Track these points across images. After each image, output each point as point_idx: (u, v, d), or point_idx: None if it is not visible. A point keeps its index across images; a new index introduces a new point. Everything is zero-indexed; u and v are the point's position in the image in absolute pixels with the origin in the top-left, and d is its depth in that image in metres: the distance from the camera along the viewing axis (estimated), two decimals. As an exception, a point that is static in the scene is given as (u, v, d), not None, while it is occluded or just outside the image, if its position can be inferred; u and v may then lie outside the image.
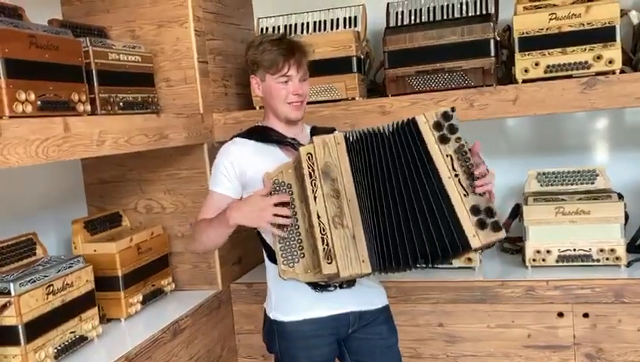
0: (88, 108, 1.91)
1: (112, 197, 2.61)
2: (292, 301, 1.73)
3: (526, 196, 2.49)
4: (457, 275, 2.39)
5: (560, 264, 2.34)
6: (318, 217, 1.57)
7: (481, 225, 1.58)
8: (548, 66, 2.22)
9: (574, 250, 2.33)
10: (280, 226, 1.62)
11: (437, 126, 1.62)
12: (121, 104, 2.15)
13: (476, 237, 1.57)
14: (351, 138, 1.64)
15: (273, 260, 1.71)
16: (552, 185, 2.53)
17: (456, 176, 1.60)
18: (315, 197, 1.58)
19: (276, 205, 1.62)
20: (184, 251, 2.54)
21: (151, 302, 2.36)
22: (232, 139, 1.84)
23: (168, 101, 2.46)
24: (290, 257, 1.63)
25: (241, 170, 1.76)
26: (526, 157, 2.79)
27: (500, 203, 2.77)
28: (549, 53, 2.22)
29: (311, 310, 1.73)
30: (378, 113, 2.35)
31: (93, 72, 2.03)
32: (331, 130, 1.90)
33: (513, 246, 2.63)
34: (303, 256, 1.63)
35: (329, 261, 1.57)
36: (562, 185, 2.52)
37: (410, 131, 1.62)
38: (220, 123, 2.50)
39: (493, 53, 2.29)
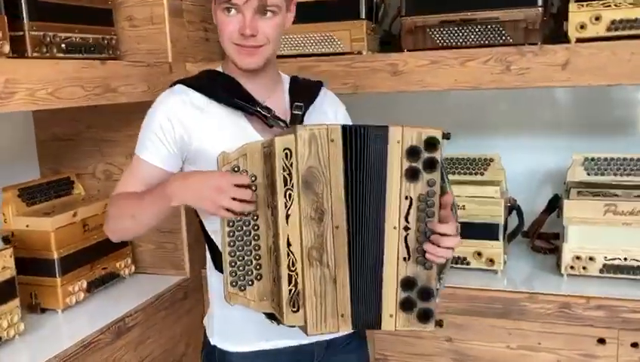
0: (7, 49, 1.47)
1: (68, 158, 2.19)
2: (241, 326, 1.31)
3: (568, 186, 2.00)
4: (474, 279, 1.93)
5: (605, 275, 1.86)
6: (288, 245, 1.13)
7: (407, 306, 1.18)
8: (612, 22, 1.69)
9: (625, 259, 1.84)
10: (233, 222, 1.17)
11: (411, 153, 1.15)
12: (63, 46, 1.70)
13: (392, 319, 1.19)
14: (352, 135, 1.15)
15: (220, 268, 1.25)
16: (602, 174, 2.02)
17: (406, 229, 1.17)
18: (287, 216, 1.12)
19: (237, 187, 1.16)
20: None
21: (101, 288, 1.96)
22: (172, 85, 1.36)
23: (132, 45, 2.00)
24: (242, 276, 1.18)
25: (183, 134, 1.29)
26: (571, 137, 2.26)
27: (534, 191, 2.28)
28: (615, 5, 1.69)
29: (265, 340, 1.31)
30: (388, 73, 1.86)
31: (22, 1, 1.59)
32: (317, 86, 1.43)
33: (547, 245, 2.15)
34: (260, 279, 1.19)
35: (294, 308, 1.13)
36: (616, 175, 2.01)
37: (376, 145, 1.16)
38: (194, 75, 2.03)
39: (540, 2, 1.77)
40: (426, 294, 1.17)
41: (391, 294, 1.17)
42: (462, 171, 2.11)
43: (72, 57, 1.70)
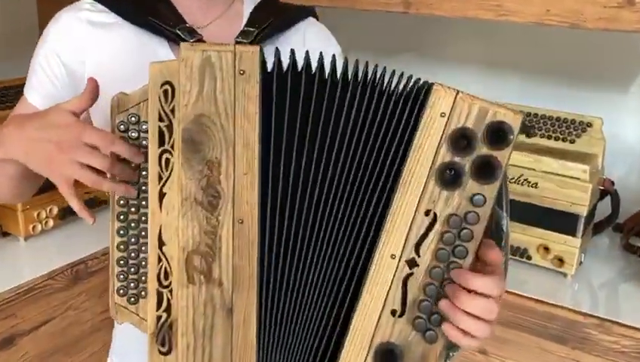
0: None
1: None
2: (137, 349, 0.93)
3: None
4: (534, 281, 1.45)
5: None
6: (160, 244, 0.71)
7: None
8: None
9: None
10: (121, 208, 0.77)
11: (458, 140, 0.67)
12: None
13: None
14: (280, 65, 0.71)
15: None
16: None
17: (412, 264, 0.68)
18: (160, 195, 0.71)
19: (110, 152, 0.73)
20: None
21: (78, 218, 1.66)
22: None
23: None
24: (134, 282, 0.79)
25: (75, 67, 0.89)
26: None
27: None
28: None
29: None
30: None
31: None
32: (298, 13, 0.99)
33: (645, 246, 1.61)
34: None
35: (163, 348, 0.74)
36: None
37: (401, 111, 0.70)
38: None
39: None
40: None
41: None
42: (544, 133, 1.58)
43: None
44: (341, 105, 0.70)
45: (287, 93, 0.69)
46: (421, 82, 0.70)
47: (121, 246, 0.78)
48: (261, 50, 0.68)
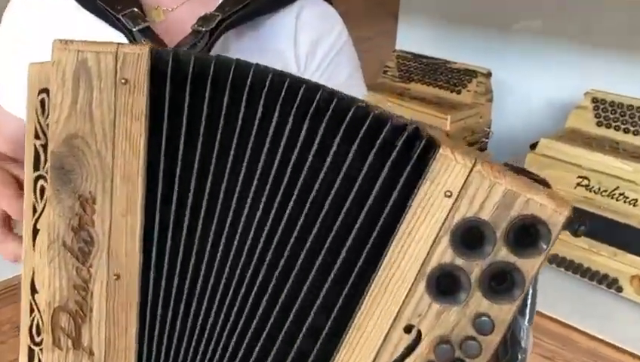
0: None
1: None
2: None
3: None
4: (621, 319, 1.16)
5: None
6: (33, 291, 0.54)
7: None
8: None
9: None
10: None
11: (468, 230, 0.45)
12: None
13: None
14: (179, 72, 0.49)
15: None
16: None
17: None
18: (33, 231, 0.54)
19: None
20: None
21: None
22: None
23: None
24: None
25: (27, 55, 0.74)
26: None
27: None
28: None
29: None
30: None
31: None
32: None
33: None
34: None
35: None
36: None
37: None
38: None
39: None
40: None
41: None
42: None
43: None
44: (259, 144, 0.49)
45: (184, 113, 0.51)
46: (413, 128, 0.46)
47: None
48: (153, 52, 0.50)
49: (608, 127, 1.29)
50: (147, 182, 0.51)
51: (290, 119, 0.47)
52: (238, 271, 0.51)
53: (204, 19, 0.68)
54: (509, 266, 0.44)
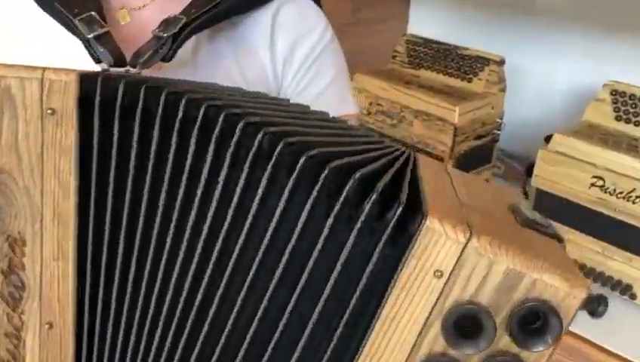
0: None
1: None
2: None
3: None
4: (634, 328, 1.11)
5: None
6: None
7: None
8: None
9: None
10: None
11: (463, 317, 0.38)
12: None
13: None
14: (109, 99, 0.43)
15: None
16: None
17: None
18: None
19: None
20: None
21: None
22: None
23: None
24: None
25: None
26: None
27: None
28: None
29: None
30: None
31: None
32: None
33: None
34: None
35: None
36: None
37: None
38: None
39: None
40: None
41: None
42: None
43: None
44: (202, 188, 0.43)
45: (113, 149, 0.45)
46: (387, 182, 0.39)
47: None
48: (84, 79, 0.44)
49: (628, 122, 1.20)
50: (80, 225, 0.46)
51: (227, 160, 0.41)
52: (176, 319, 0.46)
53: (166, 23, 0.62)
54: (512, 359, 0.38)
